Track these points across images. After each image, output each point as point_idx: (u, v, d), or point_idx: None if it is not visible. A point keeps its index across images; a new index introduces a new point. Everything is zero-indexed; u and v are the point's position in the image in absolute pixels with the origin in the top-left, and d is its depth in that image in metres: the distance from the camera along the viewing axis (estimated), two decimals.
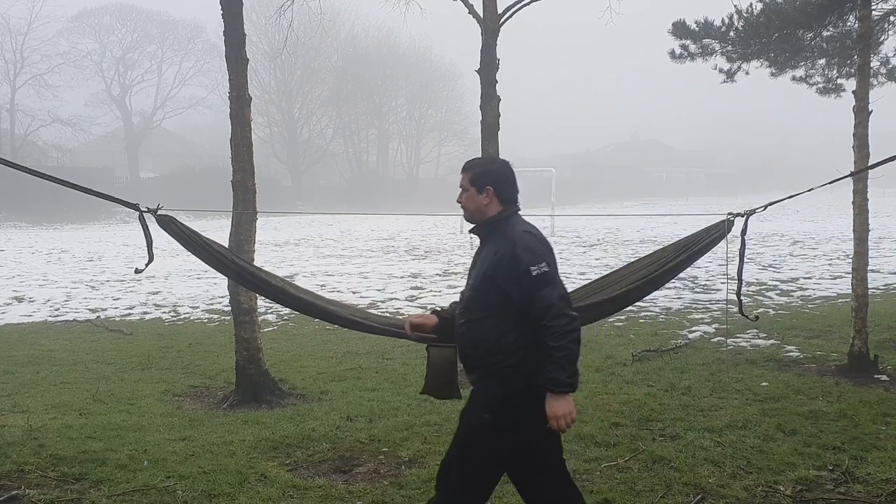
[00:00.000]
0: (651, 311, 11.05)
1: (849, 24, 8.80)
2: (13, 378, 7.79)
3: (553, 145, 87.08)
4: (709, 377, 6.92)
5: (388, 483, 4.57)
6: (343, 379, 7.46)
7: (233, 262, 4.57)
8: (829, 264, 16.67)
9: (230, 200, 6.67)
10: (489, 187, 3.09)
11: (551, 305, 2.86)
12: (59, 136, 49.28)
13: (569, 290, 3.19)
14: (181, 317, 12.23)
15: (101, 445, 5.27)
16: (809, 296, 12.45)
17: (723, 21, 9.07)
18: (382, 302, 13.19)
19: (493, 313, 2.97)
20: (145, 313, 12.61)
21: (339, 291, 14.44)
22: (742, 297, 4.71)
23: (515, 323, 2.93)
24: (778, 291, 12.93)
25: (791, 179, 56.08)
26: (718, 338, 8.97)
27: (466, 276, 3.23)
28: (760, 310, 10.64)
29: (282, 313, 11.61)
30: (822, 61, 9.97)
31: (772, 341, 8.51)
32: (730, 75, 9.98)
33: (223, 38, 6.73)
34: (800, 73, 10.24)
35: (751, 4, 8.91)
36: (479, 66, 8.47)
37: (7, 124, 47.31)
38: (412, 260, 20.31)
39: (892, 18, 9.19)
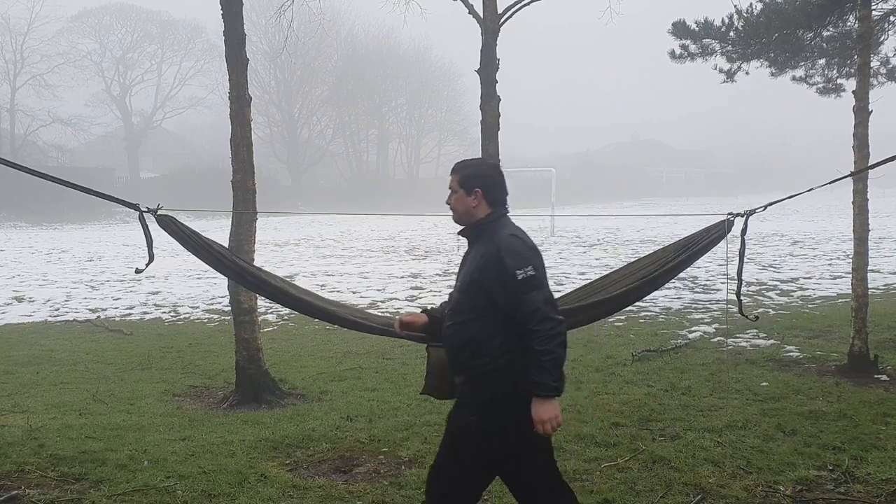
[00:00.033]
0: (651, 311, 11.05)
1: (849, 24, 8.80)
2: (13, 378, 7.79)
3: (553, 145, 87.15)
4: (709, 377, 6.92)
5: (388, 483, 4.57)
6: (343, 379, 7.46)
7: (233, 262, 4.57)
8: (829, 264, 16.68)
9: (230, 200, 6.67)
10: (478, 189, 3.08)
11: (537, 309, 2.85)
12: (59, 136, 49.34)
13: (569, 290, 3.20)
14: (181, 317, 12.24)
15: (101, 445, 5.27)
16: (809, 296, 12.45)
17: (723, 21, 9.07)
18: (382, 302, 13.19)
19: (479, 316, 2.96)
20: (145, 313, 12.61)
21: (339, 291, 14.44)
22: (742, 297, 4.72)
23: (502, 326, 2.92)
24: (778, 291, 12.93)
25: (791, 179, 56.09)
26: (718, 338, 8.97)
27: (455, 278, 3.23)
28: (760, 310, 10.64)
29: (282, 313, 11.61)
30: (822, 61, 9.97)
31: (772, 341, 8.52)
32: (730, 75, 9.98)
33: (223, 38, 6.73)
34: (800, 73, 10.25)
35: (751, 4, 8.91)
36: (479, 66, 8.47)
37: (7, 124, 47.33)
38: (412, 260, 20.31)
39: (892, 18, 9.19)
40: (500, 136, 8.63)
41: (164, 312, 12.62)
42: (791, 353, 7.85)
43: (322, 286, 15.03)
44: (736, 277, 4.62)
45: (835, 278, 14.31)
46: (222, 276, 5.18)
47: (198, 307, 13.03)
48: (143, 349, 9.34)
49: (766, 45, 9.18)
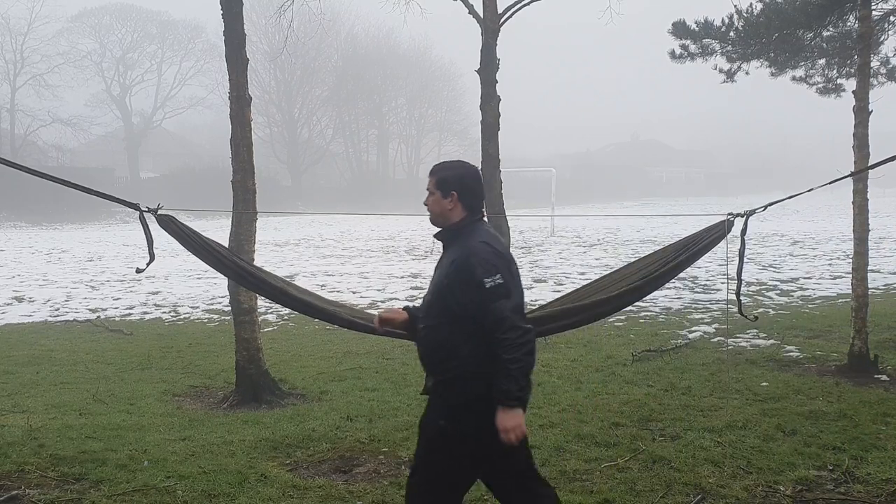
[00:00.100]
0: (651, 311, 11.05)
1: (849, 24, 8.80)
2: (13, 378, 7.79)
3: (553, 145, 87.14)
4: (709, 377, 6.92)
5: (388, 483, 4.57)
6: (343, 379, 7.46)
7: (233, 262, 4.57)
8: (829, 264, 16.67)
9: (230, 200, 6.67)
10: (454, 192, 3.09)
11: (504, 318, 2.84)
12: (59, 136, 49.35)
13: (569, 290, 3.20)
14: (181, 317, 12.24)
15: (101, 445, 5.27)
16: (809, 296, 12.45)
17: (723, 21, 9.08)
18: (382, 302, 13.19)
19: (451, 320, 2.97)
20: (145, 313, 12.61)
21: (339, 291, 14.44)
22: (742, 297, 4.72)
23: (473, 332, 2.92)
24: (778, 291, 12.93)
25: (791, 179, 56.10)
26: (718, 338, 8.97)
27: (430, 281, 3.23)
28: (760, 310, 10.64)
29: (282, 313, 11.61)
30: (822, 61, 9.97)
31: (772, 341, 8.52)
32: (730, 75, 9.98)
33: (223, 38, 6.73)
34: (800, 73, 10.25)
35: (751, 4, 8.92)
36: (479, 66, 8.48)
37: (7, 124, 47.33)
38: (412, 260, 20.32)
39: (892, 18, 9.19)
40: (500, 136, 8.65)
41: (164, 312, 12.62)
42: (791, 353, 7.85)
43: (322, 286, 15.03)
44: (736, 277, 4.63)
45: (835, 278, 14.31)
46: (222, 276, 5.18)
47: (198, 307, 13.03)
48: (143, 349, 9.34)
49: (766, 45, 9.19)
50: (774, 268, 16.17)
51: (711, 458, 4.81)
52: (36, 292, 14.95)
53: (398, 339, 4.14)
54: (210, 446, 5.28)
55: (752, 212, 4.37)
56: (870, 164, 6.19)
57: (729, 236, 4.34)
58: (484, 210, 3.17)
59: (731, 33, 9.07)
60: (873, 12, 7.75)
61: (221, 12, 6.66)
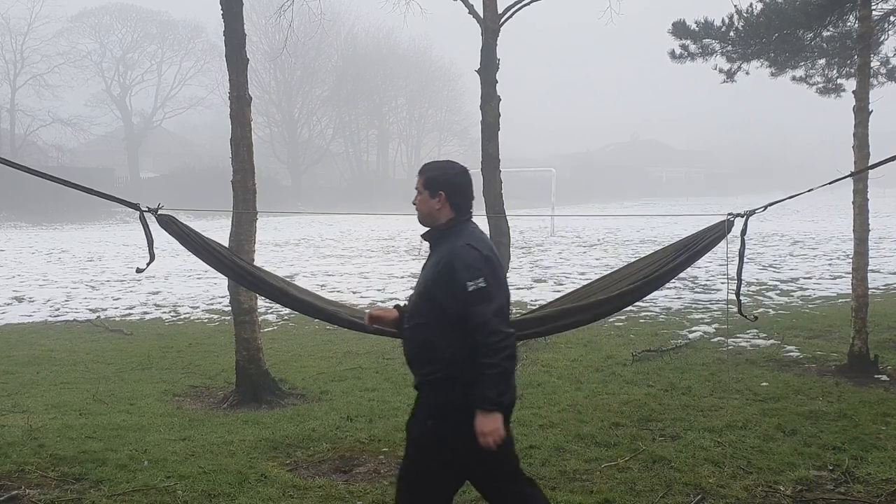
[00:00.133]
0: (651, 311, 11.05)
1: (849, 24, 8.80)
2: (13, 378, 7.79)
3: (553, 145, 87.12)
4: (709, 377, 6.92)
5: (388, 483, 4.56)
6: (343, 379, 7.46)
7: (233, 262, 4.58)
8: (829, 264, 16.67)
9: (230, 200, 6.67)
10: (441, 192, 3.07)
11: (485, 322, 2.83)
12: (59, 136, 49.36)
13: (569, 290, 3.21)
14: (181, 317, 12.24)
15: (101, 445, 5.27)
16: (809, 296, 12.45)
17: (723, 21, 9.08)
18: (382, 302, 13.19)
19: (435, 321, 2.97)
20: (145, 313, 12.61)
21: (339, 291, 14.44)
22: (742, 297, 4.72)
23: (457, 333, 2.91)
24: (778, 291, 12.93)
25: (791, 179, 56.08)
26: (718, 338, 8.97)
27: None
28: (760, 310, 10.64)
29: (282, 313, 11.61)
30: (822, 61, 9.97)
31: (772, 341, 8.52)
32: (730, 75, 9.98)
33: (223, 38, 6.74)
34: (800, 73, 10.25)
35: (751, 4, 8.92)
36: (479, 66, 8.48)
37: (7, 124, 47.33)
38: (412, 260, 20.30)
39: (892, 18, 9.19)
40: (500, 136, 8.65)
41: (165, 312, 12.62)
42: (791, 353, 7.85)
43: (322, 286, 15.03)
44: (736, 277, 4.63)
45: (835, 278, 14.30)
46: (222, 276, 5.19)
47: (198, 307, 13.03)
48: (143, 349, 9.34)
49: (766, 45, 9.19)
50: (774, 268, 16.17)
51: (711, 458, 4.81)
52: (36, 292, 14.95)
53: (398, 339, 4.14)
54: (210, 446, 5.28)
55: (752, 212, 4.37)
56: (870, 164, 6.19)
57: (729, 236, 4.34)
58: (472, 211, 3.16)
59: (731, 33, 9.07)
60: (873, 12, 7.75)
61: (221, 12, 6.66)
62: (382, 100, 62.08)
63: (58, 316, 12.39)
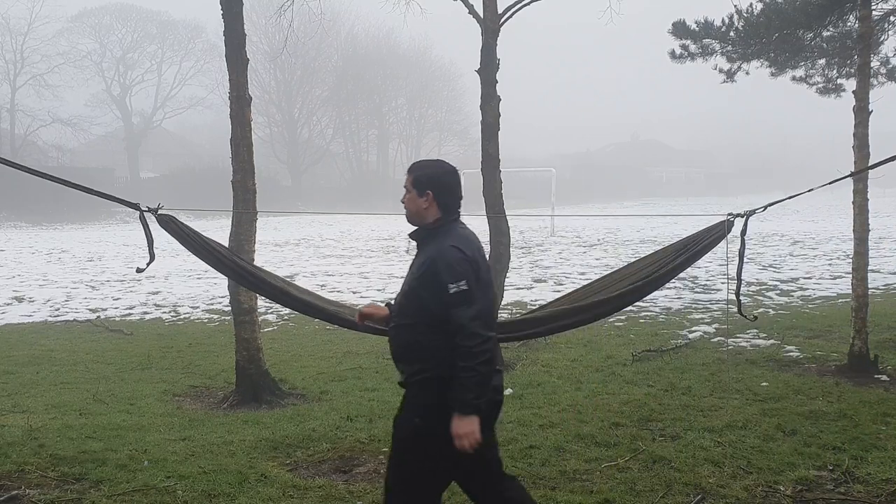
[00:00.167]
0: (651, 311, 11.05)
1: (849, 24, 8.80)
2: (13, 378, 7.79)
3: (553, 145, 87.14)
4: (709, 377, 6.92)
5: None
6: (343, 379, 7.46)
7: (233, 262, 4.58)
8: (829, 264, 16.67)
9: (230, 200, 6.67)
10: (429, 191, 3.06)
11: (464, 325, 2.83)
12: (59, 136, 49.37)
13: (569, 290, 3.20)
14: (181, 317, 12.24)
15: (102, 445, 5.27)
16: (809, 296, 12.45)
17: (723, 21, 9.08)
18: (382, 302, 13.16)
19: (420, 321, 2.97)
20: (145, 313, 12.61)
21: (339, 291, 14.44)
22: (742, 297, 4.72)
23: (440, 333, 2.91)
24: (778, 291, 12.93)
25: (791, 179, 56.08)
26: (718, 338, 8.97)
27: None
28: (760, 310, 10.64)
29: (282, 313, 11.61)
30: (822, 61, 9.97)
31: (772, 341, 8.52)
32: (730, 75, 9.98)
33: (223, 38, 6.73)
34: (800, 73, 10.25)
35: (751, 4, 8.92)
36: (479, 66, 8.47)
37: (7, 124, 47.34)
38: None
39: (892, 18, 9.19)
40: (500, 136, 8.64)
41: (164, 312, 12.62)
42: (791, 353, 7.85)
43: (322, 286, 15.03)
44: (736, 277, 4.63)
45: (835, 278, 14.31)
46: (222, 276, 5.19)
47: (198, 307, 13.03)
48: (143, 349, 9.34)
49: (766, 45, 9.19)
50: (774, 268, 16.18)
51: (711, 458, 4.81)
52: (36, 292, 14.95)
53: None
54: (210, 446, 5.28)
55: (752, 212, 4.37)
56: (870, 164, 6.19)
57: (729, 236, 4.34)
58: (461, 211, 3.15)
59: (731, 33, 9.07)
60: (873, 12, 7.75)
61: (221, 12, 6.66)
62: (382, 100, 62.09)
63: (58, 316, 12.39)
